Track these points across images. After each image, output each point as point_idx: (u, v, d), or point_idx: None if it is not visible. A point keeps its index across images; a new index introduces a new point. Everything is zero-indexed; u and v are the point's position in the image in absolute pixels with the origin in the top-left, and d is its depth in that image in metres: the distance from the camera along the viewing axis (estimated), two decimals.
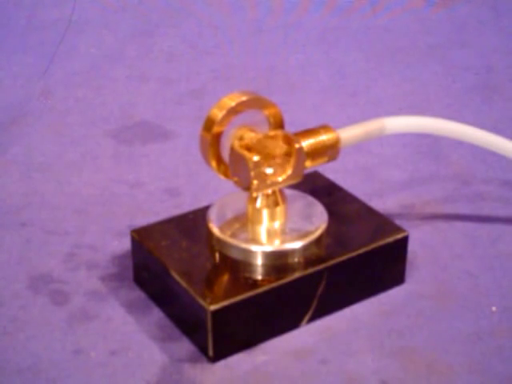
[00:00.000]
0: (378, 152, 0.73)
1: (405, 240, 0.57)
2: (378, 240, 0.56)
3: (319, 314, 0.54)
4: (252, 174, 0.52)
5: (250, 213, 0.55)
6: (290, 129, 0.55)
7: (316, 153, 0.54)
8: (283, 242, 0.54)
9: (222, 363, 0.51)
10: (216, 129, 0.52)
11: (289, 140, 0.53)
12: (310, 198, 0.58)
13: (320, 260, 0.54)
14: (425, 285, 0.57)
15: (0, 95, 0.83)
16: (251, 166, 0.51)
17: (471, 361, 0.51)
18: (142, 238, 0.56)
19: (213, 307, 0.50)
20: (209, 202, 0.59)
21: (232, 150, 0.52)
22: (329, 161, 0.55)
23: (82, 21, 1.00)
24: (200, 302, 0.50)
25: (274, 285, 0.52)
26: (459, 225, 0.64)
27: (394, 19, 1.00)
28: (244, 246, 0.54)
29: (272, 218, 0.55)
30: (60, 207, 0.66)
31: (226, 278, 0.53)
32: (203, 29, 0.98)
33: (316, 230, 0.55)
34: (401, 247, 0.57)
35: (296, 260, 0.54)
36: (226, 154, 0.53)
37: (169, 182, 0.69)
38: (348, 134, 0.56)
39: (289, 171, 0.53)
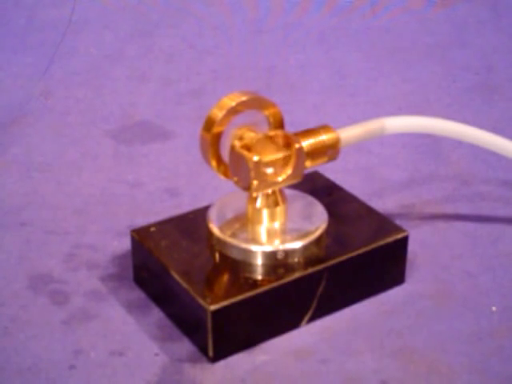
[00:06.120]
0: (378, 152, 0.73)
1: (405, 240, 0.57)
2: (378, 240, 0.56)
3: (319, 313, 0.54)
4: (252, 174, 0.52)
5: (249, 213, 0.55)
6: (290, 129, 0.55)
7: (316, 153, 0.54)
8: (283, 242, 0.54)
9: (221, 363, 0.51)
10: (216, 129, 0.52)
11: (289, 140, 0.53)
12: (310, 198, 0.58)
13: (320, 260, 0.54)
14: (425, 285, 0.57)
15: (0, 95, 0.83)
16: (251, 166, 0.51)
17: (471, 361, 0.51)
18: (142, 238, 0.56)
19: (213, 307, 0.50)
20: (209, 202, 0.59)
21: (232, 149, 0.52)
22: (329, 161, 0.55)
23: (82, 21, 1.00)
24: (200, 302, 0.50)
25: (274, 285, 0.52)
26: (459, 225, 0.64)
27: (394, 19, 1.00)
28: (244, 246, 0.54)
29: (272, 218, 0.55)
30: (60, 207, 0.66)
31: (225, 277, 0.53)
32: (203, 29, 0.98)
33: (316, 229, 0.55)
34: (401, 247, 0.57)
35: (296, 260, 0.54)
36: (225, 154, 0.53)
37: (169, 181, 0.69)
38: (348, 133, 0.56)
39: (289, 171, 0.53)
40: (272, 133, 0.53)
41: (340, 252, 0.55)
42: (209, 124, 0.53)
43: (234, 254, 0.54)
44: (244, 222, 0.56)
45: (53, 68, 0.89)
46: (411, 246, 0.58)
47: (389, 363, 0.51)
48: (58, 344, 0.52)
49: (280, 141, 0.53)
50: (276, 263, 0.53)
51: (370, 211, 0.59)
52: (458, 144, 0.70)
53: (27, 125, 0.78)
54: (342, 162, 0.59)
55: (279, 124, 0.54)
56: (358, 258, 0.55)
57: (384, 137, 0.58)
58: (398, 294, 0.57)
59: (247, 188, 0.52)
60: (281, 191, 0.55)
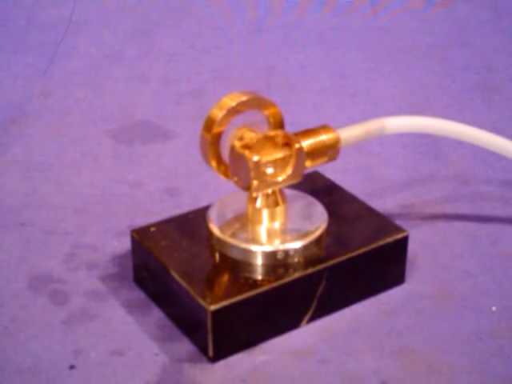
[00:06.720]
0: (378, 152, 0.73)
1: (405, 240, 0.57)
2: (378, 240, 0.56)
3: (319, 313, 0.54)
4: (252, 174, 0.52)
5: (249, 213, 0.55)
6: (289, 129, 0.55)
7: (316, 153, 0.54)
8: (283, 242, 0.54)
9: (221, 363, 0.51)
10: (216, 129, 0.52)
11: (289, 140, 0.53)
12: (310, 198, 0.58)
13: (320, 260, 0.54)
14: (425, 285, 0.57)
15: (0, 95, 0.83)
16: (251, 166, 0.51)
17: (471, 361, 0.51)
18: (142, 238, 0.56)
19: (213, 307, 0.50)
20: (209, 202, 0.59)
21: (232, 149, 0.52)
22: (329, 161, 0.55)
23: (82, 21, 1.00)
24: (200, 302, 0.50)
25: (274, 285, 0.52)
26: (459, 225, 0.64)
27: (394, 19, 1.00)
28: (244, 245, 0.54)
29: (272, 218, 0.55)
30: (60, 207, 0.66)
31: (225, 278, 0.53)
32: (203, 29, 0.98)
33: (316, 229, 0.55)
34: (401, 247, 0.57)
35: (296, 260, 0.54)
36: (225, 154, 0.53)
37: (169, 181, 0.69)
38: (348, 133, 0.56)
39: (289, 171, 0.53)
40: (272, 133, 0.53)
41: (340, 252, 0.55)
42: (209, 124, 0.53)
43: (234, 254, 0.54)
44: (244, 222, 0.55)
45: (53, 68, 0.89)
46: (411, 246, 0.58)
47: (389, 363, 0.51)
48: (58, 344, 0.52)
49: (280, 141, 0.53)
50: (276, 263, 0.53)
51: (370, 211, 0.59)
52: (458, 144, 0.70)
53: (27, 125, 0.78)
54: (342, 162, 0.59)
55: (279, 124, 0.54)
56: (358, 258, 0.55)
57: (384, 137, 0.58)
58: (398, 294, 0.57)
59: (247, 188, 0.52)
60: (281, 191, 0.55)
